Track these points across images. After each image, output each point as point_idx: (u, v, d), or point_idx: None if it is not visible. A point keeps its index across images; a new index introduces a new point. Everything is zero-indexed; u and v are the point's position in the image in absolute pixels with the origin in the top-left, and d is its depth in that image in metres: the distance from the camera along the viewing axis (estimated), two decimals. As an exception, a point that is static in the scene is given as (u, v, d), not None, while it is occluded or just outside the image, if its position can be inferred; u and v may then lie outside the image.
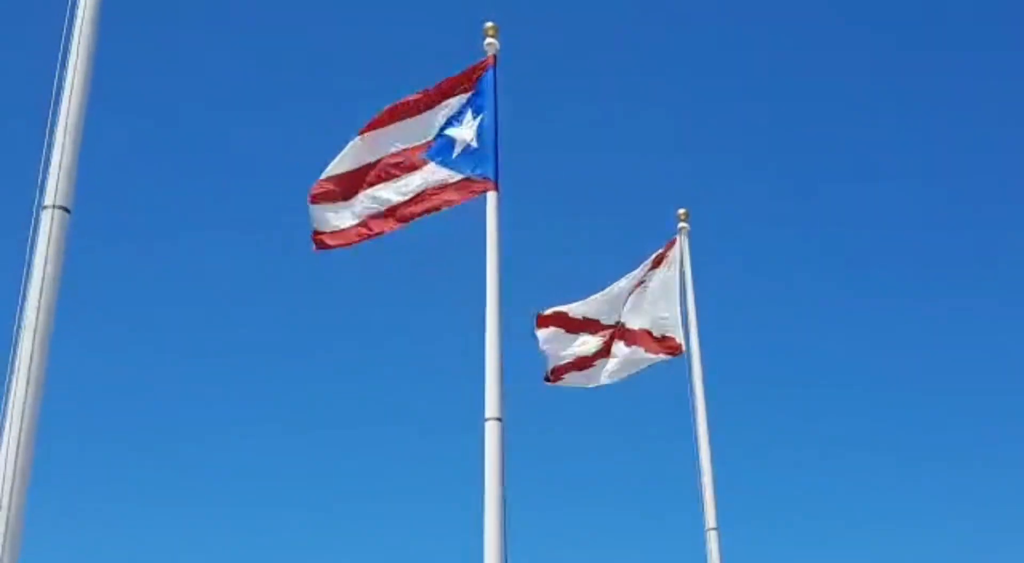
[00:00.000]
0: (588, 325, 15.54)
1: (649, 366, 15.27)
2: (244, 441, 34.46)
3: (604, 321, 15.54)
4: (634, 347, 15.28)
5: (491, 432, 10.30)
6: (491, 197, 11.38)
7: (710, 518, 14.03)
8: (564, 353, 15.40)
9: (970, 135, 39.34)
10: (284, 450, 34.33)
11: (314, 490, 33.30)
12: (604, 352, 15.46)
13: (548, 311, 15.48)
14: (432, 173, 11.67)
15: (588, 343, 15.49)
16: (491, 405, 10.44)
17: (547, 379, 15.36)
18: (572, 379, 15.46)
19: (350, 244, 11.82)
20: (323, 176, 11.90)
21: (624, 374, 15.45)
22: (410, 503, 32.47)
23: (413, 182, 11.69)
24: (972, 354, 36.49)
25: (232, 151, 38.92)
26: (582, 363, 15.45)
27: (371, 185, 11.78)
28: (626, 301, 15.50)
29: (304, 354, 36.92)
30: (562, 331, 15.41)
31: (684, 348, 14.88)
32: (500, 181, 11.43)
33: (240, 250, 37.77)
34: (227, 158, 38.61)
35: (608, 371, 15.46)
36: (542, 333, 15.32)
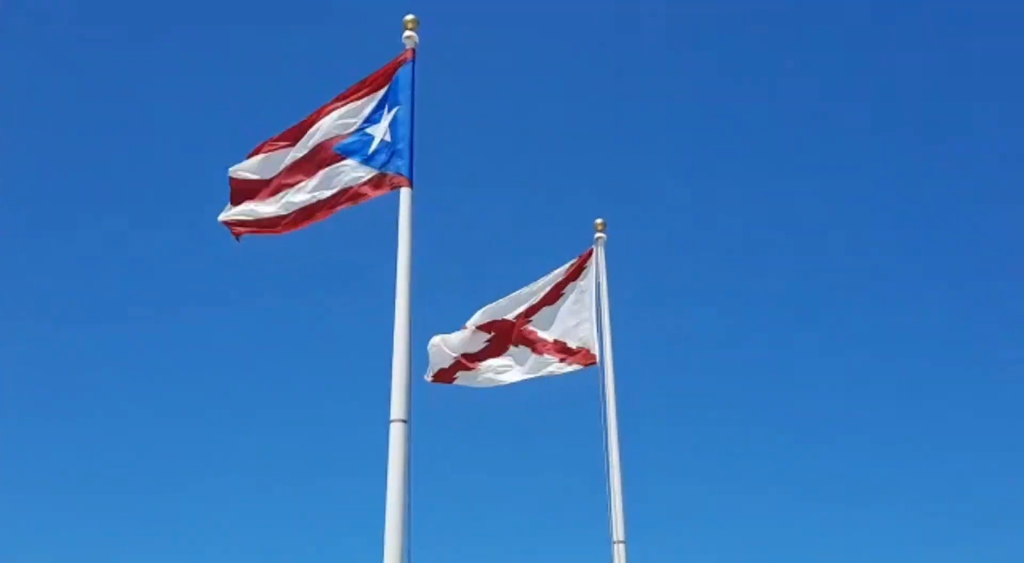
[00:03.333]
0: (484, 328, 15.28)
1: (563, 374, 15.04)
2: (144, 435, 34.08)
3: (497, 318, 15.28)
4: (545, 355, 15.05)
5: (396, 434, 9.99)
6: (404, 193, 11.11)
7: (618, 530, 13.86)
8: (451, 354, 15.09)
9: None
10: (182, 440, 33.97)
11: (212, 484, 32.94)
12: (494, 351, 15.14)
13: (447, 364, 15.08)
14: (352, 170, 11.43)
15: (477, 340, 15.22)
16: (397, 407, 10.13)
17: (433, 379, 15.03)
18: (462, 378, 15.12)
19: (268, 233, 11.59)
20: (241, 177, 11.69)
21: (523, 377, 15.14)
22: (312, 503, 32.17)
23: (332, 177, 11.46)
24: (893, 363, 36.87)
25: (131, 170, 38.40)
26: (469, 360, 15.11)
27: (290, 186, 11.59)
28: (539, 310, 15.31)
29: (208, 348, 36.55)
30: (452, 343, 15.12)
31: (598, 359, 14.76)
32: (414, 177, 11.17)
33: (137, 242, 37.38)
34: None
35: (504, 373, 15.13)
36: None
